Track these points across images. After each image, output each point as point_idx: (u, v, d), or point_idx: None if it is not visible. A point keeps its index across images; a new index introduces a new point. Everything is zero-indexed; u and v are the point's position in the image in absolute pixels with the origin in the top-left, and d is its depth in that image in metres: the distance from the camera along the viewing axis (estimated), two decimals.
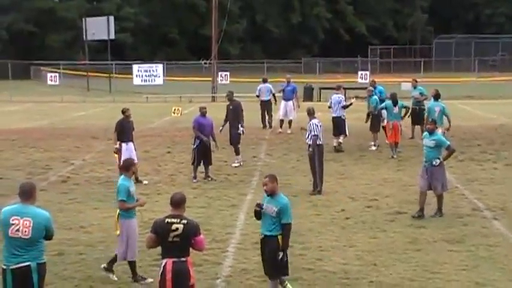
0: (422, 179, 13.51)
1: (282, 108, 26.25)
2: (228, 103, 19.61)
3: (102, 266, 10.28)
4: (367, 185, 16.53)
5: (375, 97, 22.02)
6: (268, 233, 8.83)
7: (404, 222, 13.10)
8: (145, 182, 16.73)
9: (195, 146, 17.25)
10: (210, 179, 17.20)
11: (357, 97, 28.61)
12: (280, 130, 25.88)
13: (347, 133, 21.59)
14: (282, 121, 26.17)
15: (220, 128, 19.03)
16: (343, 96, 22.29)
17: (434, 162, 13.29)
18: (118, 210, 10.04)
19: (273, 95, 27.08)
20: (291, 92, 26.52)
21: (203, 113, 17.38)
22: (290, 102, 26.16)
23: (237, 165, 18.87)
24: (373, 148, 21.58)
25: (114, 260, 10.16)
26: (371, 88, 22.81)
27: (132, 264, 10.06)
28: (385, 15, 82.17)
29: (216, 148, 17.53)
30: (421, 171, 13.64)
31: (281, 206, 8.76)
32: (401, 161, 19.51)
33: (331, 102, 21.78)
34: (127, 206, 9.90)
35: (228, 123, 19.25)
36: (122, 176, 10.15)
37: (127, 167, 10.17)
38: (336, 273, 10.30)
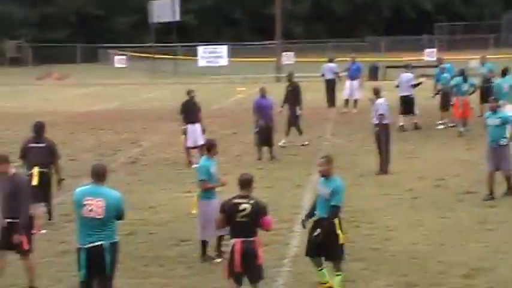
0: (488, 160, 13.18)
1: (348, 88, 26.07)
2: (287, 84, 19.61)
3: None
4: (435, 164, 16.31)
5: (446, 75, 21.70)
6: (324, 215, 8.71)
7: (474, 202, 12.91)
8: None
9: (256, 128, 17.35)
10: (275, 159, 17.27)
11: (423, 75, 28.16)
12: (345, 110, 25.72)
13: (416, 112, 21.39)
14: (347, 100, 25.99)
15: (280, 108, 18.96)
16: (412, 75, 22.05)
17: (501, 142, 12.95)
18: (198, 191, 10.18)
19: (337, 74, 26.89)
20: (356, 71, 26.35)
21: (263, 94, 17.44)
22: (355, 82, 25.95)
23: (283, 145, 18.58)
24: (441, 127, 21.28)
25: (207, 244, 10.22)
26: (443, 66, 22.53)
27: (204, 244, 10.20)
28: None
29: (274, 129, 17.50)
30: (487, 151, 13.29)
31: (334, 187, 8.62)
32: (470, 139, 19.13)
33: (400, 80, 21.63)
34: (208, 185, 10.04)
35: (287, 105, 19.17)
36: (204, 157, 10.32)
37: (209, 148, 10.29)
38: (404, 253, 10.25)
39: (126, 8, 68.60)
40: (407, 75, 21.76)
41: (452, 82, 20.75)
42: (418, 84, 21.60)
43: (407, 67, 22.58)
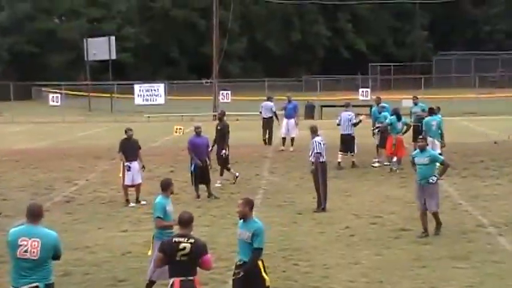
0: (419, 199, 13.34)
1: (284, 126, 26.35)
2: (217, 123, 19.61)
3: None
4: (371, 202, 16.54)
5: (385, 113, 22.13)
6: (246, 259, 8.45)
7: (409, 239, 13.10)
8: (143, 202, 16.61)
9: (191, 167, 17.30)
10: (213, 197, 17.23)
11: (359, 114, 28.74)
12: (282, 148, 25.94)
13: (355, 151, 21.72)
14: (284, 139, 26.25)
15: (210, 148, 18.78)
16: (353, 114, 22.38)
17: (431, 180, 13.16)
18: (153, 231, 10.06)
19: (274, 113, 27.23)
20: (293, 110, 26.70)
21: (198, 132, 17.43)
22: (292, 120, 26.29)
23: (219, 185, 18.59)
24: (377, 165, 21.63)
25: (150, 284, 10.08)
26: (382, 104, 22.98)
27: (150, 284, 10.05)
28: (385, 32, 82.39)
29: (210, 167, 17.51)
30: (416, 190, 13.46)
31: (254, 229, 8.36)
32: (404, 177, 19.51)
33: (340, 119, 21.92)
34: (164, 223, 9.96)
35: (217, 144, 19.11)
36: (160, 196, 10.25)
37: (164, 187, 10.24)
38: None
39: (61, 45, 67.95)
40: (348, 114, 22.02)
41: (387, 121, 21.23)
42: (358, 123, 21.95)
43: (346, 106, 22.90)
